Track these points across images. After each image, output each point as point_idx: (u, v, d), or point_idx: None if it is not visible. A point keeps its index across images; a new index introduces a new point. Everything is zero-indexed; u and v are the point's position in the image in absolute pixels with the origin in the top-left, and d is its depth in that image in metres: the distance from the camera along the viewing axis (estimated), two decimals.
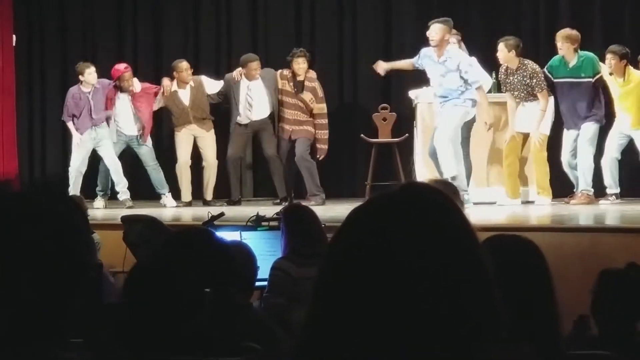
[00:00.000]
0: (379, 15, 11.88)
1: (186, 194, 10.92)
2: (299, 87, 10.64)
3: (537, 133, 9.72)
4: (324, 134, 10.71)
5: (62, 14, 12.40)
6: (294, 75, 10.65)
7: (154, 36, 12.37)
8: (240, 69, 10.75)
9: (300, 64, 10.60)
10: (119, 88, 10.74)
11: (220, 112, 11.08)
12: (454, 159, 9.41)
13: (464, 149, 9.72)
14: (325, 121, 10.72)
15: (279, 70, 10.78)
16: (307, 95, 10.59)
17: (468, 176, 9.74)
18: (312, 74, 10.71)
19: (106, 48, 12.17)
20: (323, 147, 10.74)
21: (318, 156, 10.72)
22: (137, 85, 10.80)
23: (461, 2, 11.46)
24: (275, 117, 10.78)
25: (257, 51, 11.28)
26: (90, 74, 10.64)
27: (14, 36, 11.08)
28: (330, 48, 11.54)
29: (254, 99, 10.70)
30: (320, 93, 10.68)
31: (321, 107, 10.71)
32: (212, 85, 10.96)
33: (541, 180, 9.79)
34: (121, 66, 10.83)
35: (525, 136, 9.84)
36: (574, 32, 9.72)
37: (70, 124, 10.71)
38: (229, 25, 12.23)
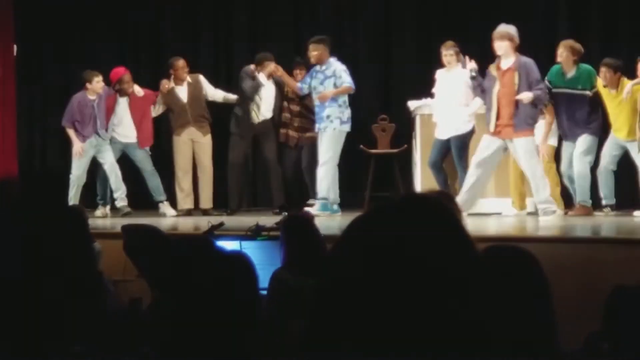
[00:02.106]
0: (379, 26, 11.91)
1: (186, 201, 10.90)
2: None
3: (545, 145, 9.78)
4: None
5: (62, 23, 12.40)
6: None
7: (154, 46, 12.39)
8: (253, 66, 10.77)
9: (300, 75, 10.69)
10: (118, 92, 10.77)
11: (218, 114, 11.07)
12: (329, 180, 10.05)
13: (463, 161, 9.73)
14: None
15: None
16: (309, 101, 10.62)
17: None
18: None
19: (107, 56, 12.17)
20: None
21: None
22: (139, 90, 10.84)
23: (460, 12, 11.48)
24: (279, 123, 10.86)
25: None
26: (98, 82, 10.66)
27: (15, 46, 11.08)
28: None
29: (262, 100, 10.72)
30: None
31: None
32: (213, 91, 10.97)
33: (552, 191, 9.80)
34: (120, 69, 10.88)
35: None
36: (578, 45, 9.76)
37: (71, 131, 10.70)
38: (228, 40, 12.28)
